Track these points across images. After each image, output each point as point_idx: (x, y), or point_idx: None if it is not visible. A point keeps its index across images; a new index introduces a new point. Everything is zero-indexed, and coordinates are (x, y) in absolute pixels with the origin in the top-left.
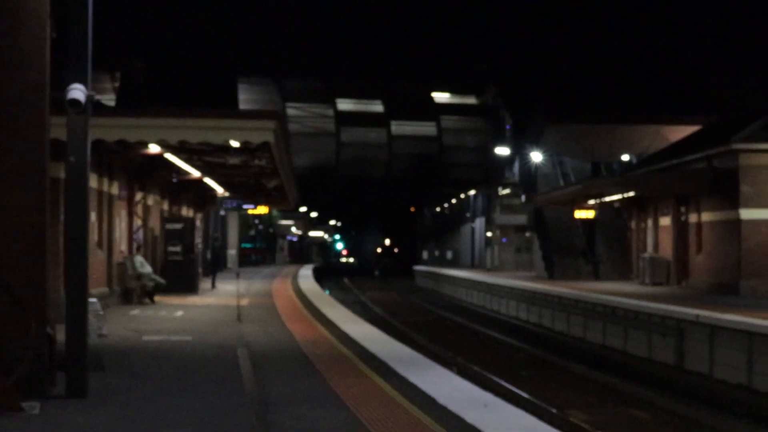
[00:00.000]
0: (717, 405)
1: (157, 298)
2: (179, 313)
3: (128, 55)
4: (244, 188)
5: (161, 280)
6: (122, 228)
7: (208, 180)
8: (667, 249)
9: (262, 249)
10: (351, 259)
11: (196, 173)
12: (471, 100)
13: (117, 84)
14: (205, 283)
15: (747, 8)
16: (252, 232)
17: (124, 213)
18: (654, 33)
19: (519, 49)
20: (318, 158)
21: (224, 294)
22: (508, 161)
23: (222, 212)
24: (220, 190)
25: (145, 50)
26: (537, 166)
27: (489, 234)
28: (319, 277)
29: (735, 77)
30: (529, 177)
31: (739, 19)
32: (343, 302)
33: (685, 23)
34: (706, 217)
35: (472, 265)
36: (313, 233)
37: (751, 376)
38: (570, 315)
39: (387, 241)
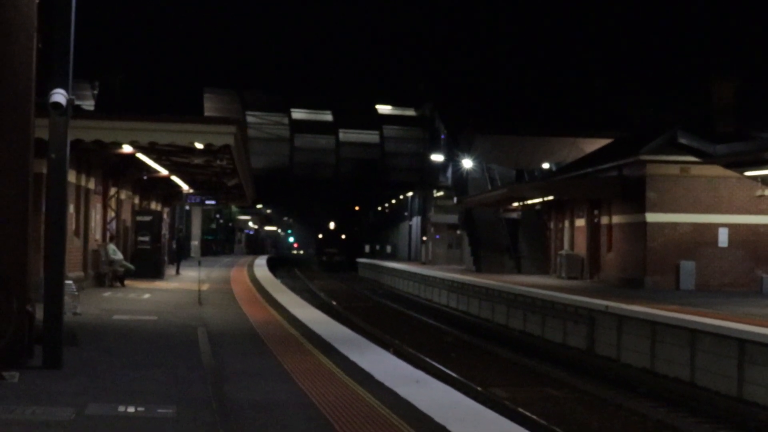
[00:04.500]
0: (623, 386)
1: (127, 282)
2: (146, 295)
3: (107, 67)
4: (207, 186)
5: (131, 266)
6: (97, 219)
7: (174, 178)
8: (581, 247)
9: (222, 241)
10: (302, 252)
11: (164, 171)
12: (410, 112)
13: (96, 92)
14: (170, 270)
15: (652, 35)
16: (213, 226)
17: (99, 206)
18: (571, 56)
19: (453, 68)
20: (274, 161)
21: (187, 280)
22: (442, 167)
23: (186, 207)
24: (185, 187)
25: (123, 62)
26: (468, 172)
27: (424, 233)
28: (273, 266)
29: (642, 97)
30: (461, 181)
31: (646, 46)
32: (293, 289)
33: (599, 50)
34: (617, 219)
35: (409, 259)
36: (268, 228)
37: (653, 361)
38: (494, 304)
39: (332, 225)
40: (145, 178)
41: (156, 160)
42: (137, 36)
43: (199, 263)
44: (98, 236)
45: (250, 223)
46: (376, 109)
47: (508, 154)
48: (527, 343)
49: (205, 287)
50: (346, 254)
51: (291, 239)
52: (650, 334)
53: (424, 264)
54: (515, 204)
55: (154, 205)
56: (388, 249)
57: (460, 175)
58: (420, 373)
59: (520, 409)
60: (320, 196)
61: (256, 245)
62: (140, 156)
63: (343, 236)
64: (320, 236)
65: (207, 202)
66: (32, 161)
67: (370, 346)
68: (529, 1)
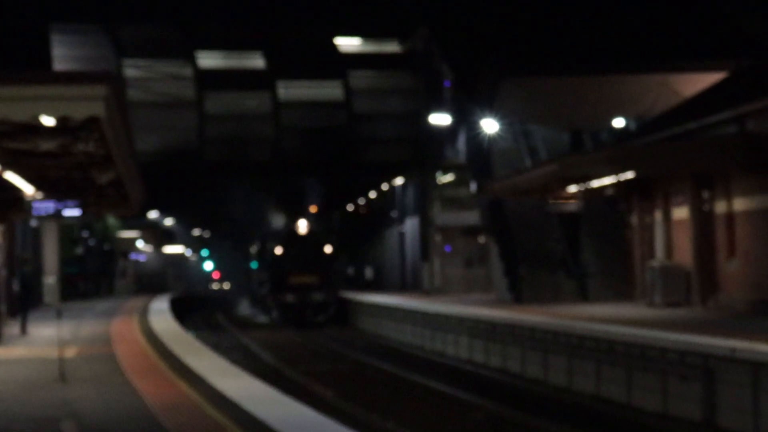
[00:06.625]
0: None
1: None
2: None
3: None
4: (65, 187)
5: None
6: None
7: (10, 176)
8: (684, 253)
9: (95, 275)
10: (227, 285)
11: None
12: (392, 48)
13: None
14: (10, 328)
15: None
16: (79, 251)
17: None
18: None
19: None
20: (172, 139)
21: (40, 342)
22: (449, 134)
23: (33, 222)
24: (29, 190)
25: None
26: (492, 140)
27: (426, 243)
28: (180, 312)
29: None
30: (481, 156)
31: None
32: (217, 347)
33: None
34: (741, 204)
35: (404, 286)
36: (169, 249)
37: None
38: (548, 354)
39: (302, 227)
40: None
41: None
42: None
43: (59, 313)
44: None
45: (140, 244)
46: (336, 46)
47: (555, 107)
48: (604, 414)
49: (70, 353)
50: (330, 287)
51: (208, 266)
52: None
53: (428, 294)
54: (572, 188)
55: None
56: (368, 273)
57: (478, 146)
58: None
59: None
60: (252, 192)
61: (151, 279)
62: None
63: (327, 250)
64: (278, 252)
65: (67, 212)
66: None
67: None
68: None
